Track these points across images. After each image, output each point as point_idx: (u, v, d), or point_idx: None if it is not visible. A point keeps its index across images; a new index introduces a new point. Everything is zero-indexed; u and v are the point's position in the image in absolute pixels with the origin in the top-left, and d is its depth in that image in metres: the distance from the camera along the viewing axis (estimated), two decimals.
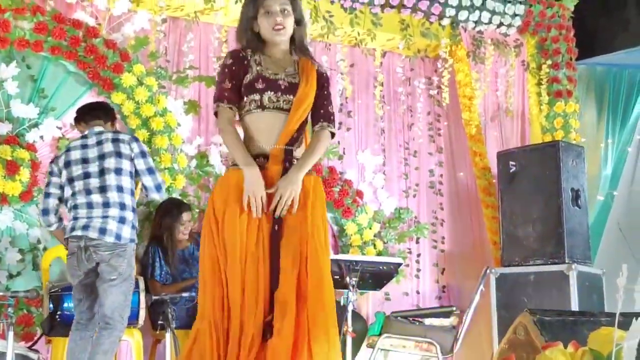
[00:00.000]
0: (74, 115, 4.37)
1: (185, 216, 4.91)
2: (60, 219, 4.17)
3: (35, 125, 4.83)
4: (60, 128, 4.92)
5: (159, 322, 4.31)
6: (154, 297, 4.35)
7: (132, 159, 4.09)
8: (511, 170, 5.84)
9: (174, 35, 5.52)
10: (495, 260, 6.02)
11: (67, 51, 4.84)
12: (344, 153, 6.03)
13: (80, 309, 3.99)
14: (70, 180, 4.05)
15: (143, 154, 4.14)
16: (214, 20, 5.43)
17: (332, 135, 3.19)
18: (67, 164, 4.07)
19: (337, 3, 5.72)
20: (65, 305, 4.29)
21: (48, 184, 4.13)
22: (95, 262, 3.93)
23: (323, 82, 3.20)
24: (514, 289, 5.64)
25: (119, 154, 4.06)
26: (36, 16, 4.76)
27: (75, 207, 4.02)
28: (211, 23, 5.50)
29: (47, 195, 4.12)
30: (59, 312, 4.30)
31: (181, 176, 5.13)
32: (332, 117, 3.18)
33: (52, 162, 4.17)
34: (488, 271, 5.74)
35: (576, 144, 6.15)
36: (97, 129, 4.18)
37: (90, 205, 3.99)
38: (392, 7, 5.91)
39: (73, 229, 3.97)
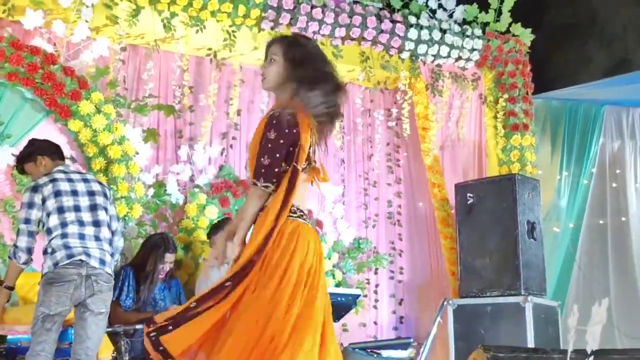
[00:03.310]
0: (34, 148, 4.24)
1: (168, 257, 4.88)
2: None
3: None
4: (15, 156, 4.83)
5: (112, 354, 4.24)
6: (107, 330, 4.27)
7: (110, 204, 4.20)
8: (469, 202, 5.89)
9: (134, 63, 5.50)
10: (453, 291, 6.05)
11: (24, 78, 4.78)
12: None
13: (45, 338, 3.84)
14: (60, 210, 3.98)
15: (113, 202, 4.28)
16: (175, 49, 5.42)
17: (266, 187, 3.01)
18: (57, 193, 4.01)
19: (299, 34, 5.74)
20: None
21: (28, 220, 3.99)
22: (92, 292, 3.88)
23: (264, 128, 3.07)
24: (471, 321, 5.66)
25: (105, 195, 4.19)
26: None
27: (64, 236, 3.93)
28: (172, 51, 5.49)
29: (31, 234, 4.01)
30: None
31: (138, 205, 5.07)
32: (260, 170, 3.01)
33: (32, 191, 4.02)
34: (446, 302, 5.77)
35: (532, 176, 6.23)
36: (70, 167, 4.24)
37: (82, 237, 3.96)
38: (352, 39, 5.96)
39: (72, 255, 3.87)
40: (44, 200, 3.99)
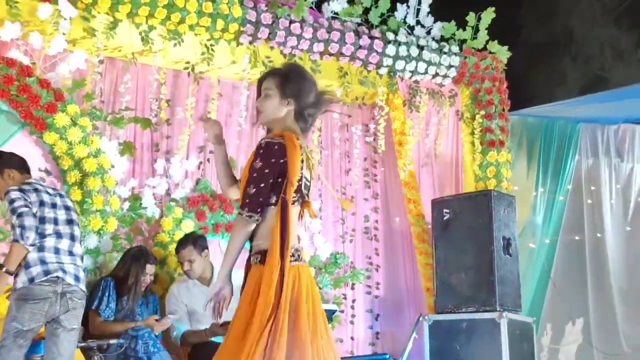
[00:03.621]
0: (2, 161, 4.19)
1: (149, 268, 4.88)
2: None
3: None
4: None
5: None
6: (80, 345, 4.22)
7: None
8: (445, 218, 5.91)
9: (111, 75, 5.47)
10: (429, 307, 6.06)
11: None
12: None
13: (17, 353, 3.81)
14: (42, 220, 3.95)
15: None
16: (152, 61, 5.41)
17: (250, 217, 3.01)
18: (42, 203, 3.98)
19: (277, 49, 5.76)
20: None
21: (27, 205, 3.89)
22: (67, 309, 3.85)
23: (252, 157, 3.10)
24: (447, 336, 5.67)
25: (76, 212, 4.22)
26: None
27: (41, 249, 3.90)
28: (149, 64, 5.47)
29: (34, 215, 3.91)
30: None
31: (113, 219, 5.04)
32: (245, 200, 3.03)
33: (18, 191, 3.95)
34: (421, 318, 5.78)
35: (508, 193, 6.27)
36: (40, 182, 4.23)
37: (58, 251, 3.94)
38: (330, 54, 5.98)
39: (48, 272, 3.84)
40: (30, 203, 3.94)
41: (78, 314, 3.95)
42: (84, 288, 3.99)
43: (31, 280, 3.83)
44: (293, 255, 3.02)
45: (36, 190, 4.02)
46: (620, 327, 7.24)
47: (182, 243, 5.10)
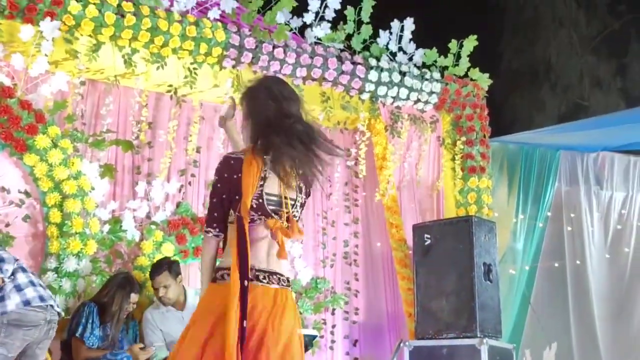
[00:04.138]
0: None
1: (133, 297, 4.85)
2: None
3: None
4: None
5: None
6: None
7: None
8: (426, 243, 5.92)
9: (92, 97, 5.45)
10: (409, 332, 6.04)
11: None
12: None
13: None
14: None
15: None
16: (135, 84, 5.40)
17: (207, 232, 2.95)
18: None
19: (260, 73, 5.78)
20: None
21: None
22: (47, 337, 3.84)
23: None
24: None
25: None
26: None
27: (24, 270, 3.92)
28: (131, 87, 5.46)
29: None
30: None
31: (92, 241, 4.99)
32: (206, 216, 3.02)
33: None
34: (402, 344, 5.76)
35: (488, 219, 6.30)
36: None
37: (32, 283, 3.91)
38: (313, 79, 6.01)
39: (41, 298, 3.79)
40: None
41: (49, 343, 3.94)
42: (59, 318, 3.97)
43: (26, 303, 3.74)
44: (257, 277, 2.87)
45: None
46: (602, 353, 7.27)
47: (157, 269, 5.05)
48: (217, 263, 3.01)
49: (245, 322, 2.74)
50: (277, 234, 2.94)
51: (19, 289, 3.78)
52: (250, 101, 3.04)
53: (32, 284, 3.87)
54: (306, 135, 2.94)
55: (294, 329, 2.95)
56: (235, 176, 2.89)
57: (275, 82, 3.13)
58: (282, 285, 2.98)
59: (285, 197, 2.97)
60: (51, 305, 3.85)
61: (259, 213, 2.91)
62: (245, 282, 2.76)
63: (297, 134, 2.92)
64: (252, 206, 2.87)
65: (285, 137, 2.90)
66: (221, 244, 3.02)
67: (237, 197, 2.89)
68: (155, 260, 5.20)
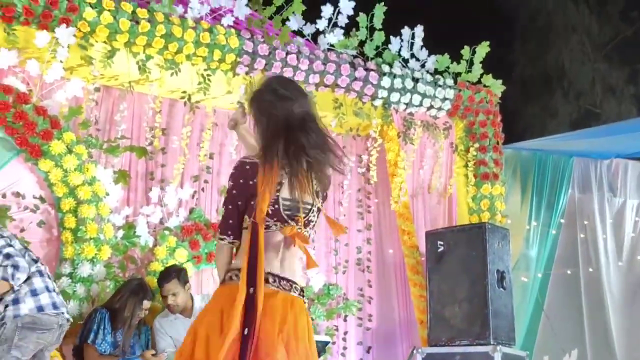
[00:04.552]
0: None
1: (146, 304, 4.87)
2: None
3: None
4: None
5: None
6: None
7: None
8: (439, 250, 5.91)
9: (107, 104, 5.48)
10: (422, 339, 6.02)
11: None
12: None
13: None
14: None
15: None
16: (149, 90, 5.42)
17: (221, 239, 2.89)
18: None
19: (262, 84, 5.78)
20: None
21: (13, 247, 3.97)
22: (58, 342, 3.91)
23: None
24: None
25: None
26: None
27: (41, 274, 3.98)
28: (145, 93, 5.49)
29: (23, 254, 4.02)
30: None
31: (106, 247, 5.01)
32: (220, 222, 2.95)
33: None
34: (415, 351, 5.74)
35: (502, 226, 6.27)
36: None
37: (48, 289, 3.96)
38: (326, 86, 6.01)
39: (54, 305, 3.86)
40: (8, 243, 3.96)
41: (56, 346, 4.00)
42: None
43: (40, 308, 3.80)
44: (267, 280, 2.79)
45: (9, 237, 4.10)
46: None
47: (166, 276, 5.05)
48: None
49: (246, 330, 2.68)
50: (295, 241, 2.87)
51: (34, 293, 3.80)
52: (258, 105, 2.97)
53: (48, 289, 3.90)
54: (319, 135, 2.89)
55: (311, 340, 2.92)
56: (251, 182, 2.82)
57: (280, 83, 3.04)
58: (296, 293, 2.93)
59: (302, 202, 2.89)
60: (62, 312, 3.88)
61: (275, 219, 2.84)
62: (251, 290, 2.71)
63: (309, 134, 2.86)
64: (267, 212, 2.80)
65: (298, 139, 2.84)
66: (234, 249, 2.97)
67: (252, 203, 2.82)
68: (163, 268, 5.21)
